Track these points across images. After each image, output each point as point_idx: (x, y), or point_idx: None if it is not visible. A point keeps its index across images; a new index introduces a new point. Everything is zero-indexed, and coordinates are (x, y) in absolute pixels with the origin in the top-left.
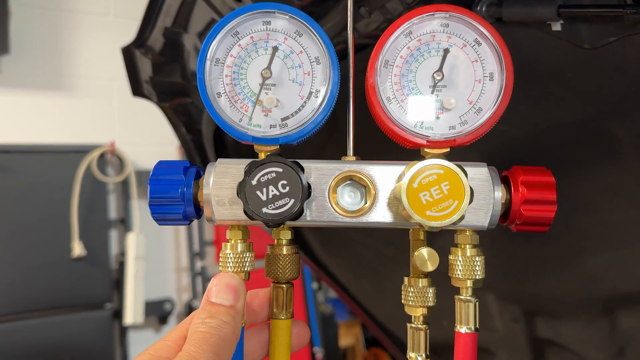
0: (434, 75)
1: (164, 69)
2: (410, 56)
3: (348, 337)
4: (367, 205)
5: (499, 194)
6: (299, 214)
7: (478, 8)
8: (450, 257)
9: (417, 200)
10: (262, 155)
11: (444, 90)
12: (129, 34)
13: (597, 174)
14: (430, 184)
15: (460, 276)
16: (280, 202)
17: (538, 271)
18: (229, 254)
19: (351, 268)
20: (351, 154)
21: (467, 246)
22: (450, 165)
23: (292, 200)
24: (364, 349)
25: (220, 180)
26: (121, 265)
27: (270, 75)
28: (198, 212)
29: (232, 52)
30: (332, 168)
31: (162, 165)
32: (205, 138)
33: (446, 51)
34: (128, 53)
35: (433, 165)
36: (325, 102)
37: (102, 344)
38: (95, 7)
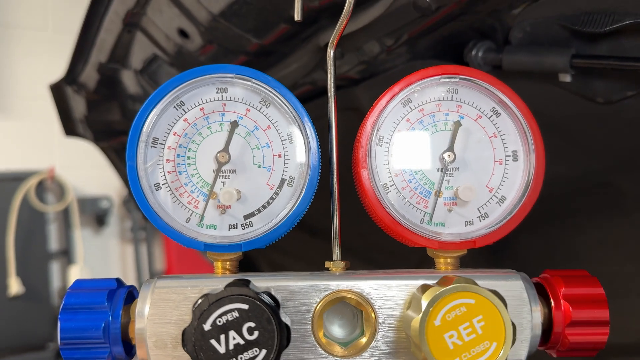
0: (444, 155)
1: (100, 106)
2: (411, 130)
3: None
4: (364, 339)
5: (538, 314)
6: None
7: (473, 53)
8: None
9: (441, 343)
10: (218, 266)
11: (456, 174)
12: (70, 51)
13: (595, 226)
14: (457, 319)
15: None
16: (247, 355)
17: None
18: None
19: None
20: (338, 258)
21: None
22: (484, 292)
23: (264, 352)
24: None
25: (160, 312)
26: None
27: (229, 159)
28: (129, 350)
29: (175, 129)
30: (315, 288)
31: (79, 289)
32: None
33: (457, 124)
34: (58, 90)
35: (460, 292)
36: (303, 193)
37: None
38: (32, 22)
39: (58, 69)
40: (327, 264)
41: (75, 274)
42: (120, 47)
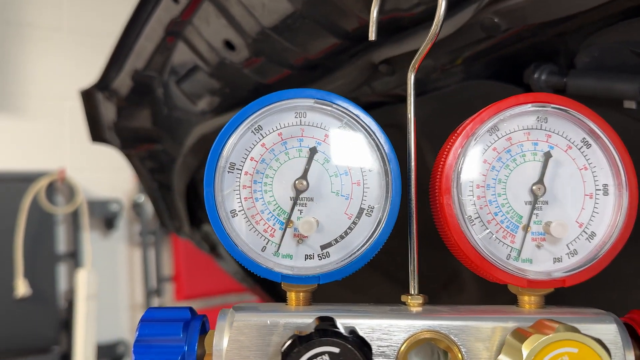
0: (533, 188)
1: (130, 113)
2: (498, 160)
3: None
4: None
5: (632, 359)
6: None
7: (535, 76)
8: None
9: None
10: (292, 296)
11: (545, 207)
12: (85, 52)
13: None
14: None
15: None
16: None
17: None
18: None
19: None
20: (416, 292)
21: None
22: (589, 341)
23: None
24: None
25: (238, 347)
26: (70, 304)
27: (307, 186)
28: None
29: (252, 154)
30: (398, 327)
31: (152, 319)
32: (177, 192)
33: (547, 155)
34: (88, 96)
35: (563, 341)
36: (383, 224)
37: None
38: (47, 21)
39: (72, 70)
40: (403, 298)
41: (83, 278)
42: (159, 56)
